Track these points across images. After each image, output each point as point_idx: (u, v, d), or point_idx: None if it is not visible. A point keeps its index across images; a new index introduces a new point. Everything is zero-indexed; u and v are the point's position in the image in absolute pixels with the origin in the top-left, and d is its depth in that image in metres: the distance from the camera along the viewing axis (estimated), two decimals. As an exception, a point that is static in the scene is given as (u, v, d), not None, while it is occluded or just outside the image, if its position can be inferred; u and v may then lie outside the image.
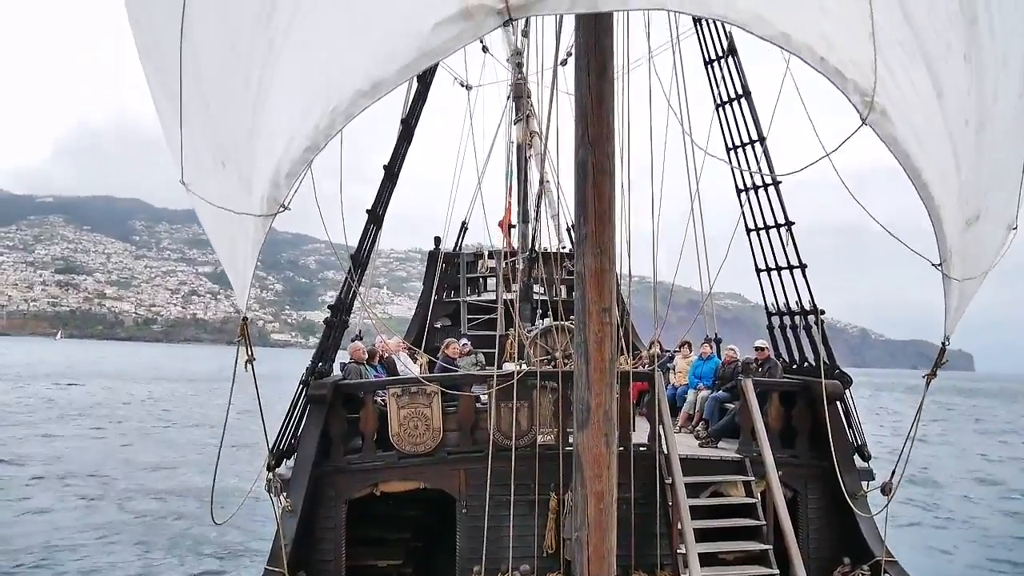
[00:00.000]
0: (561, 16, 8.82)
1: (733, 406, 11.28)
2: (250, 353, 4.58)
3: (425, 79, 12.51)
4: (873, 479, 10.37)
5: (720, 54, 11.89)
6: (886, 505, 8.06)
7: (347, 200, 5.89)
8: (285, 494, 9.48)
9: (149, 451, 32.69)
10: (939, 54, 4.09)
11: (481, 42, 19.38)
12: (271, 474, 8.65)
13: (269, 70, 3.78)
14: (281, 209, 3.80)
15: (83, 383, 70.36)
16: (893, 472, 8.11)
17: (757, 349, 12.12)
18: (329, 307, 11.55)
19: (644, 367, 11.65)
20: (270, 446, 9.04)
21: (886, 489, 8.37)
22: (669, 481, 9.62)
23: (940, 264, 4.51)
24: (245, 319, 4.45)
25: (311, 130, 3.44)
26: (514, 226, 19.24)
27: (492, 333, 14.88)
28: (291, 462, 10.18)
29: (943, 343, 5.83)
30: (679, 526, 9.27)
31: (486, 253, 20.12)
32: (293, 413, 10.38)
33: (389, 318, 16.48)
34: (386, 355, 12.51)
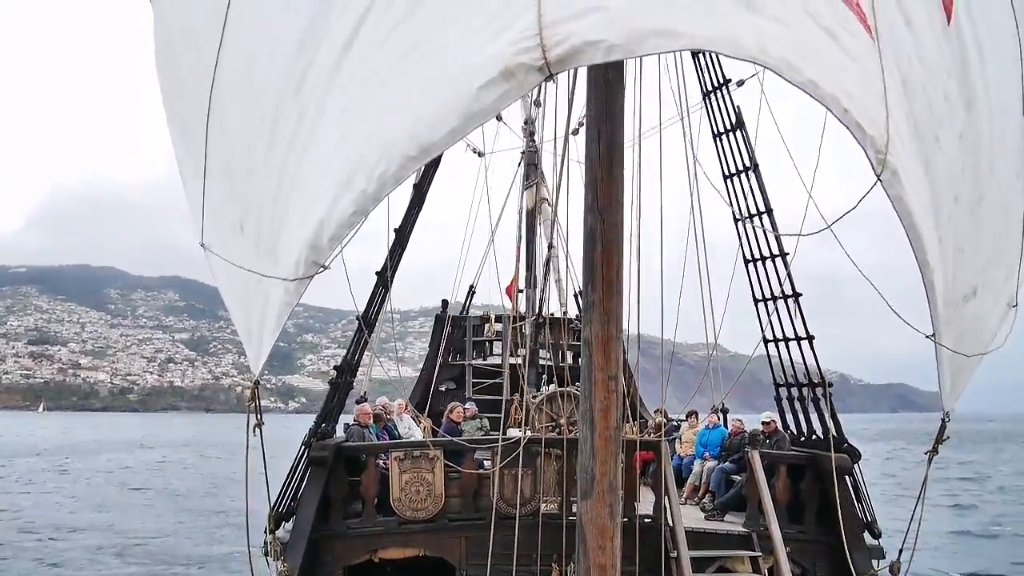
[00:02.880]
0: (574, 86, 9.02)
1: (740, 478, 11.10)
2: (259, 418, 4.58)
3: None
4: (884, 557, 10.12)
5: (728, 127, 12.11)
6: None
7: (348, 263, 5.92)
8: (283, 558, 9.30)
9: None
10: (931, 129, 4.17)
11: (496, 112, 19.78)
12: (270, 537, 8.50)
13: (302, 140, 3.86)
14: (321, 269, 3.84)
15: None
16: (900, 551, 7.94)
17: (764, 423, 11.99)
18: (335, 368, 11.51)
19: (651, 436, 11.52)
20: (270, 509, 8.91)
21: (894, 569, 8.17)
22: (674, 555, 9.40)
23: (933, 335, 4.49)
24: (256, 383, 4.45)
25: (358, 195, 3.50)
26: (522, 291, 19.32)
27: (497, 398, 14.79)
28: (290, 525, 10.01)
29: (943, 419, 5.76)
30: (684, 602, 9.03)
31: (493, 317, 20.16)
32: (294, 475, 10.25)
33: (370, 381, 16.40)
34: (388, 417, 12.42)
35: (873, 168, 3.51)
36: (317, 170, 3.81)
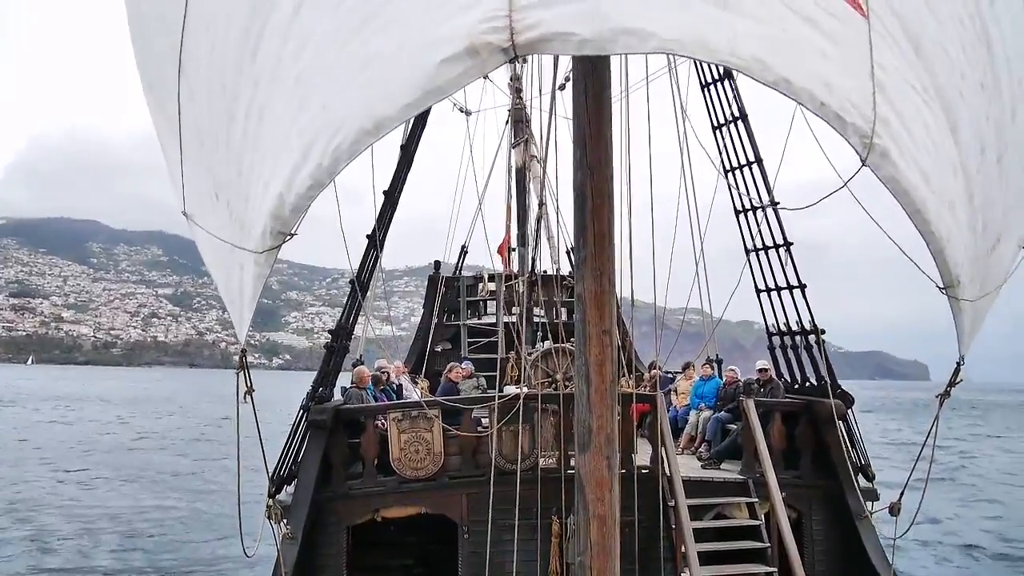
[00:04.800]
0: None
1: (735, 427, 11.24)
2: (249, 384, 4.59)
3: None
4: (877, 499, 10.32)
5: (717, 77, 12.00)
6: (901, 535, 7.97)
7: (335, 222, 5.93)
8: (285, 521, 9.42)
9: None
10: (953, 86, 4.12)
11: (480, 67, 19.58)
12: (271, 501, 8.59)
13: (258, 107, 3.81)
14: (288, 237, 3.82)
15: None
16: (901, 493, 8.09)
17: (759, 370, 12.10)
18: (329, 332, 11.53)
19: (646, 389, 11.62)
20: (270, 473, 8.99)
21: (894, 509, 8.33)
22: (672, 504, 9.56)
23: (945, 288, 4.51)
24: (244, 351, 4.46)
25: (314, 168, 3.47)
26: (514, 249, 19.30)
27: (493, 356, 14.86)
28: (291, 488, 10.12)
29: (958, 363, 5.85)
30: (683, 549, 9.20)
31: (486, 276, 20.17)
32: (293, 439, 10.33)
33: (365, 342, 16.37)
34: (387, 380, 12.49)
35: (858, 153, 3.50)
36: (275, 140, 3.77)
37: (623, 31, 3.03)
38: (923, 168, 3.79)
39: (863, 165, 3.53)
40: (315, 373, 11.04)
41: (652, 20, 3.05)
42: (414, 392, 13.17)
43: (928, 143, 3.90)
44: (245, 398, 4.63)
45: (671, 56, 9.90)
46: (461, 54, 3.08)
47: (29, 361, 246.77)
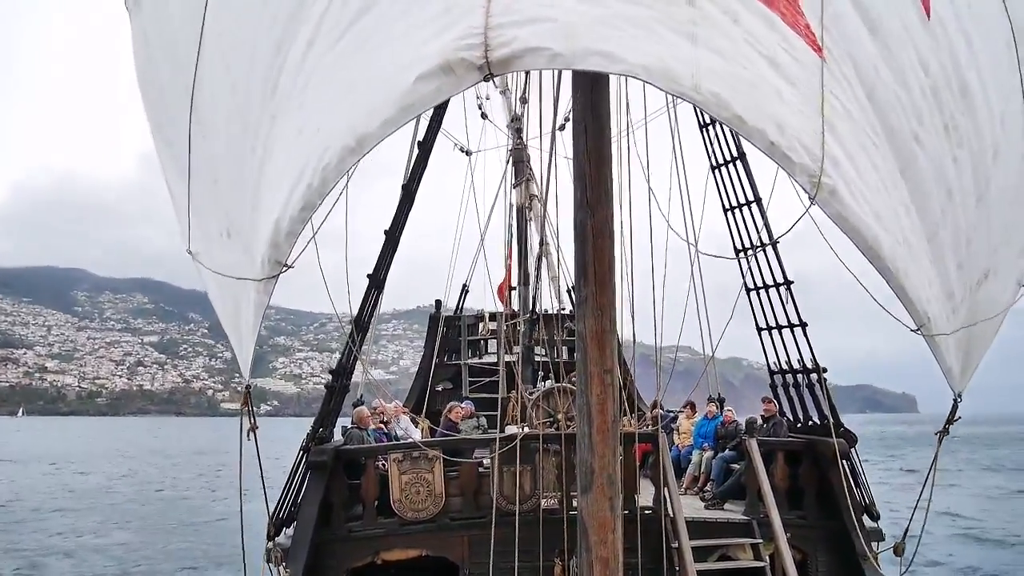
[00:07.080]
0: (559, 81, 9.03)
1: (739, 467, 11.14)
2: (253, 422, 4.58)
3: (426, 145, 12.71)
4: (883, 539, 10.19)
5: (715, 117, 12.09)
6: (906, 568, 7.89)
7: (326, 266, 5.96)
8: (284, 564, 9.29)
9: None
10: (908, 130, 4.20)
11: (480, 109, 19.89)
12: (271, 543, 8.49)
13: (272, 141, 3.89)
14: (285, 268, 3.85)
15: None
16: (906, 532, 8.00)
17: (764, 400, 12.07)
18: (330, 371, 11.48)
19: (648, 428, 11.53)
20: (270, 514, 8.90)
21: (899, 550, 8.23)
22: (676, 545, 9.43)
23: (919, 328, 4.52)
24: (248, 387, 4.46)
25: (305, 189, 3.54)
26: (514, 288, 19.33)
27: (494, 396, 14.79)
28: (291, 530, 10.00)
29: (955, 399, 5.83)
30: (687, 592, 9.05)
31: (487, 315, 20.16)
32: (293, 480, 10.24)
33: (363, 384, 16.24)
34: (385, 419, 12.40)
35: (807, 191, 3.57)
36: (279, 170, 3.86)
37: (594, 51, 3.13)
38: (874, 206, 3.86)
39: (812, 202, 3.60)
40: (302, 419, 10.97)
41: (623, 45, 3.16)
42: (414, 432, 13.08)
43: (878, 183, 3.98)
44: (248, 436, 4.61)
45: (671, 97, 10.04)
46: (436, 71, 3.17)
47: (20, 413, 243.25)
